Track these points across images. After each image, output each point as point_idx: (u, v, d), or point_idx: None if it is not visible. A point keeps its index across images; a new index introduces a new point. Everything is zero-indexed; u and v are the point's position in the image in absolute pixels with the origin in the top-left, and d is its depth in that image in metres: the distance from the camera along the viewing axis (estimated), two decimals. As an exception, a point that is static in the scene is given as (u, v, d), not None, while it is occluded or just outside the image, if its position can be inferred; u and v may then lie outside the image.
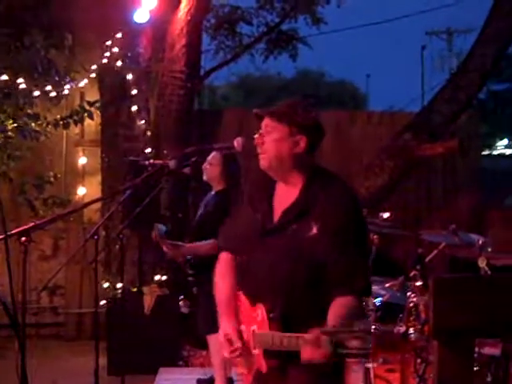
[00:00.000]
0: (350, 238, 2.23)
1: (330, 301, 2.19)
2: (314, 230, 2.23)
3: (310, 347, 2.03)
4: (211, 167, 4.54)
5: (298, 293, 2.24)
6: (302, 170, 2.34)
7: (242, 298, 2.42)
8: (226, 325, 2.39)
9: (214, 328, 2.65)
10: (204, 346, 5.33)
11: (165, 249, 4.48)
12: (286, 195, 2.35)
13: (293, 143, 2.31)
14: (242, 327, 2.39)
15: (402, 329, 3.62)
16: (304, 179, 2.33)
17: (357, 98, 20.65)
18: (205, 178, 4.63)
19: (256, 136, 2.38)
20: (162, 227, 4.50)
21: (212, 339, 4.50)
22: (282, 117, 2.33)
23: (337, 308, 2.17)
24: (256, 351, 2.29)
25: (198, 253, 4.44)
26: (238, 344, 2.34)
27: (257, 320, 2.30)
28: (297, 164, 2.33)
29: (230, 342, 2.36)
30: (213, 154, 4.62)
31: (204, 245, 4.43)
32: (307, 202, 2.29)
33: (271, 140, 2.33)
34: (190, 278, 4.71)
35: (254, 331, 2.31)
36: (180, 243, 4.52)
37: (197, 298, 4.62)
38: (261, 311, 2.27)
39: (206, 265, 4.43)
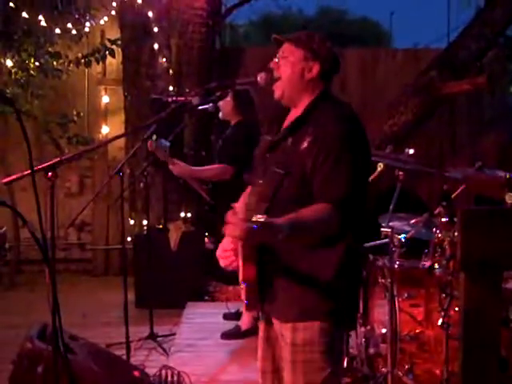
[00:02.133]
0: (334, 152, 2.22)
1: None
2: (305, 144, 2.26)
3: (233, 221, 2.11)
4: (224, 103, 4.60)
5: (281, 205, 2.23)
6: (311, 94, 2.38)
7: None
8: (225, 239, 2.46)
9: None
10: (229, 281, 5.43)
11: (170, 166, 4.55)
12: (293, 116, 2.40)
13: (306, 68, 2.36)
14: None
15: (427, 264, 3.63)
16: (309, 101, 2.37)
17: (380, 36, 20.20)
18: (220, 115, 4.69)
19: (273, 60, 2.42)
20: (165, 142, 4.53)
21: None
22: (298, 42, 2.38)
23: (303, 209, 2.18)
24: (240, 262, 2.30)
25: (204, 175, 4.63)
26: (228, 247, 2.43)
27: None
28: (307, 89, 2.37)
29: (224, 250, 2.46)
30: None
31: (208, 169, 4.59)
32: (305, 116, 2.33)
33: (286, 64, 2.38)
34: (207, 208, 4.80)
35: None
36: (182, 163, 4.60)
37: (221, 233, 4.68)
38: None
39: (224, 196, 4.51)
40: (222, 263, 2.49)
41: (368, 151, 2.37)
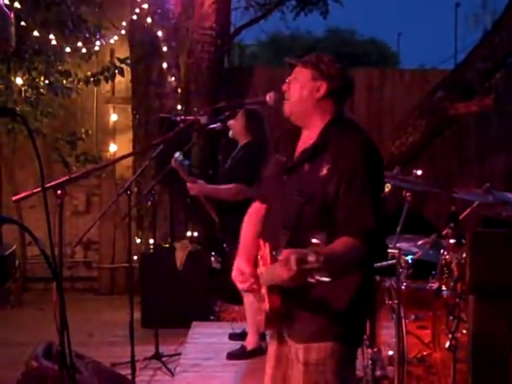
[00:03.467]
0: (357, 181, 2.23)
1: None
2: (325, 171, 2.27)
3: (279, 266, 2.02)
4: (235, 122, 4.61)
5: (303, 233, 2.24)
6: (322, 115, 2.39)
7: (261, 244, 2.44)
8: (237, 261, 2.47)
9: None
10: (235, 301, 5.41)
11: (188, 184, 4.54)
12: (307, 138, 2.42)
13: (314, 88, 2.39)
14: (259, 271, 2.41)
15: (435, 286, 3.60)
16: (324, 124, 2.38)
17: (388, 57, 20.27)
18: (230, 134, 4.70)
19: (285, 83, 2.46)
20: (185, 160, 4.54)
21: (247, 297, 4.57)
22: (307, 63, 2.42)
23: (333, 244, 2.18)
24: (263, 290, 2.31)
25: (216, 194, 4.57)
26: (246, 270, 2.40)
27: (263, 259, 2.35)
28: (316, 109, 2.39)
29: (242, 273, 2.43)
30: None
31: (223, 188, 4.54)
32: (322, 143, 2.34)
33: (296, 85, 2.42)
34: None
35: (261, 270, 2.36)
36: (201, 181, 4.59)
37: (228, 254, 4.68)
38: (267, 249, 2.31)
39: (230, 215, 4.51)
40: (241, 287, 2.45)
41: (383, 174, 2.39)
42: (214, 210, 4.72)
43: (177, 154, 4.49)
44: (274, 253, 2.28)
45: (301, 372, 2.31)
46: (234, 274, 2.46)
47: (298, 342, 2.35)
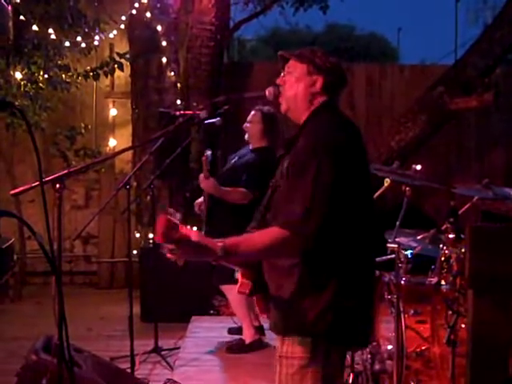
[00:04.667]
0: (297, 169, 2.23)
1: None
2: (285, 164, 2.32)
3: None
4: (252, 125, 4.58)
5: (269, 220, 2.33)
6: (312, 109, 2.39)
7: None
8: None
9: (230, 279, 2.68)
10: (233, 281, 5.41)
11: (203, 179, 4.52)
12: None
13: (309, 82, 2.38)
14: None
15: (434, 280, 3.61)
16: (307, 116, 2.39)
17: (387, 53, 20.22)
18: (246, 136, 4.66)
19: (280, 76, 2.46)
20: (210, 154, 4.52)
21: (227, 290, 4.58)
22: (302, 57, 2.41)
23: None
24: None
25: (227, 196, 4.51)
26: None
27: None
28: (310, 104, 2.38)
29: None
30: (253, 112, 4.63)
31: (233, 191, 4.50)
32: (296, 137, 2.35)
33: (291, 79, 2.40)
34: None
35: None
36: (213, 179, 4.55)
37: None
38: None
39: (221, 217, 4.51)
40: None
41: (357, 166, 2.28)
42: (206, 203, 4.68)
43: (209, 152, 4.48)
44: None
45: (279, 364, 2.32)
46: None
47: (275, 333, 2.37)
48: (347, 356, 3.23)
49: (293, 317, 2.28)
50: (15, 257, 6.36)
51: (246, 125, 4.61)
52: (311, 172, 2.17)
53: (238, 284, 2.36)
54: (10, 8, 5.59)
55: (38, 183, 2.47)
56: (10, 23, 5.61)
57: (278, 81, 2.45)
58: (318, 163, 2.18)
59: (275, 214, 2.27)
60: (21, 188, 2.65)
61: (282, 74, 2.45)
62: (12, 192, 2.69)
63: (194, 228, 5.84)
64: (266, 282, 2.34)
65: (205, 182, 4.53)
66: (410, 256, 3.78)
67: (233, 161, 4.74)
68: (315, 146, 2.22)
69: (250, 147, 4.70)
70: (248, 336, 4.69)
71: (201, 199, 4.79)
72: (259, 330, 4.73)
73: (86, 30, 6.60)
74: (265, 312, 2.43)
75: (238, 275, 2.38)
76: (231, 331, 5.08)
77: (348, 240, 2.26)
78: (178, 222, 2.09)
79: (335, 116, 2.38)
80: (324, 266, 2.24)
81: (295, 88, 2.39)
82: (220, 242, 2.12)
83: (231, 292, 4.47)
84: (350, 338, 2.34)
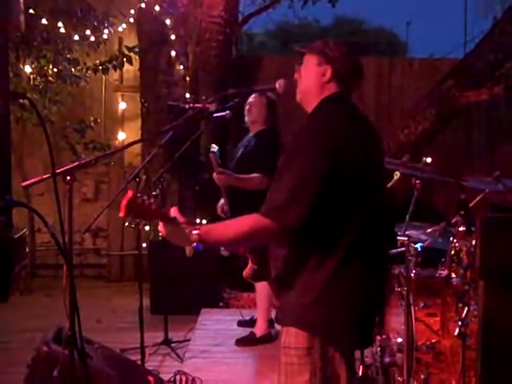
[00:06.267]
0: (285, 158, 2.24)
1: None
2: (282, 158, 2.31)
3: None
4: (257, 109, 4.60)
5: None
6: (319, 101, 2.38)
7: None
8: None
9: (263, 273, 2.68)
10: (244, 288, 5.42)
11: (215, 175, 4.51)
12: None
13: (320, 73, 2.37)
14: None
15: (444, 273, 3.60)
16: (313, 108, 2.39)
17: (396, 46, 20.15)
18: (248, 119, 4.67)
19: (296, 71, 2.46)
20: (216, 149, 4.51)
21: (259, 284, 4.58)
22: (313, 48, 2.41)
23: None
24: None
25: (244, 184, 4.49)
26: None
27: None
28: (321, 95, 2.37)
29: None
30: (254, 96, 4.63)
31: (252, 177, 4.46)
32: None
33: (304, 71, 2.42)
34: None
35: None
36: (228, 171, 4.55)
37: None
38: None
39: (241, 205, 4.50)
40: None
41: (352, 158, 2.23)
42: (227, 203, 4.67)
43: (215, 148, 4.48)
44: None
45: (281, 354, 2.31)
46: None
47: (281, 324, 2.36)
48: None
49: (288, 307, 2.29)
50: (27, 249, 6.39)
51: (250, 108, 4.61)
52: (296, 163, 2.19)
53: (247, 268, 2.41)
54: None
55: (49, 175, 2.48)
56: (22, 17, 5.62)
57: (296, 75, 2.45)
58: (304, 154, 2.19)
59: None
60: (32, 180, 2.66)
61: (299, 68, 2.45)
62: (23, 184, 2.70)
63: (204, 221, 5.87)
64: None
65: (219, 177, 4.52)
66: (419, 249, 3.77)
67: (240, 152, 4.75)
68: (304, 137, 2.24)
69: (252, 133, 4.71)
70: (260, 329, 4.70)
71: (221, 201, 4.80)
72: (270, 322, 4.74)
73: (95, 23, 6.62)
74: (278, 298, 2.44)
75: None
76: (241, 324, 5.10)
77: (346, 231, 2.23)
78: (145, 200, 2.23)
79: (339, 108, 2.34)
80: (317, 258, 2.22)
81: (307, 80, 2.40)
82: (197, 228, 2.22)
83: (259, 283, 4.47)
84: (346, 338, 2.27)
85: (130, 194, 2.20)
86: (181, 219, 2.25)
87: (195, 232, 2.20)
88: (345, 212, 2.23)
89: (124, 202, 2.18)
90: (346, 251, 2.23)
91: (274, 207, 2.17)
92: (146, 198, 2.28)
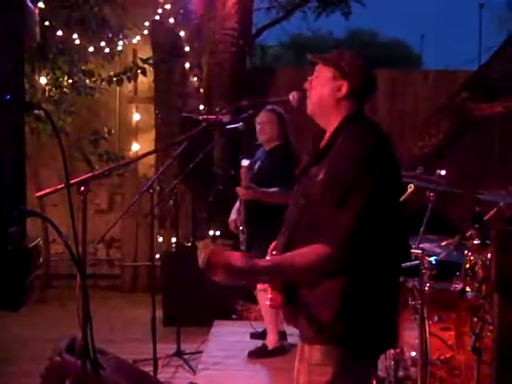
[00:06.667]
0: (338, 190, 2.16)
1: None
2: (321, 176, 2.23)
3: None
4: (269, 127, 4.59)
5: (299, 235, 2.26)
6: (340, 115, 2.34)
7: None
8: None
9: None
10: (257, 301, 5.40)
11: (241, 190, 4.48)
12: (325, 139, 2.37)
13: (335, 87, 2.33)
14: None
15: (459, 287, 3.57)
16: (337, 125, 2.33)
17: (410, 59, 20.16)
18: (262, 138, 4.66)
19: (307, 81, 2.42)
20: (247, 163, 4.49)
21: (261, 294, 4.56)
22: (328, 60, 2.36)
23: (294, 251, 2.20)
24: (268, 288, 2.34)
25: (273, 199, 4.42)
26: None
27: None
28: (337, 109, 2.34)
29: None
30: (263, 114, 4.63)
31: (278, 192, 4.39)
32: (329, 145, 2.29)
33: (317, 83, 2.37)
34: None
35: None
36: (255, 186, 4.52)
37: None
38: (270, 249, 2.38)
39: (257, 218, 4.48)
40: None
41: (393, 172, 2.27)
42: (244, 217, 4.62)
43: (246, 162, 4.46)
44: (273, 253, 2.33)
45: (306, 371, 2.29)
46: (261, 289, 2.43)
47: (303, 340, 2.32)
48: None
49: (314, 325, 2.26)
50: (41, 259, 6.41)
51: (263, 127, 4.61)
52: (355, 187, 2.14)
53: (269, 298, 2.32)
54: (36, 10, 5.66)
55: (63, 185, 2.49)
56: (37, 28, 5.68)
57: (306, 85, 2.41)
58: (360, 177, 2.15)
59: (319, 231, 2.18)
60: (46, 190, 2.67)
61: (310, 79, 2.41)
62: (37, 194, 2.71)
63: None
64: (292, 293, 2.29)
65: (246, 192, 4.49)
66: (434, 262, 3.75)
67: (257, 166, 4.72)
68: (354, 159, 2.18)
69: (267, 148, 4.69)
70: (271, 342, 4.68)
71: (233, 216, 4.77)
72: (282, 335, 4.72)
73: (110, 35, 6.68)
74: (291, 322, 2.40)
75: (260, 286, 2.37)
76: (253, 336, 5.07)
77: (379, 248, 2.23)
78: (220, 249, 2.11)
79: (367, 124, 2.33)
80: (351, 275, 2.21)
81: (320, 93, 2.35)
82: (263, 263, 2.14)
83: (263, 296, 4.44)
84: (368, 348, 2.29)
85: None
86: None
87: (265, 266, 2.12)
88: (384, 229, 2.23)
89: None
90: (375, 265, 2.24)
91: (340, 236, 2.13)
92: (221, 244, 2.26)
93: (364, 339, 2.25)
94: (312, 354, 2.27)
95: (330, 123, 2.35)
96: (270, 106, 4.65)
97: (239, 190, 4.52)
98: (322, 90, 2.34)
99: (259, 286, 2.42)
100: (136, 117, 7.26)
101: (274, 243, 2.41)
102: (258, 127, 4.67)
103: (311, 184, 2.27)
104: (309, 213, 2.25)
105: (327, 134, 2.36)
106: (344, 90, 2.32)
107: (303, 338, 2.33)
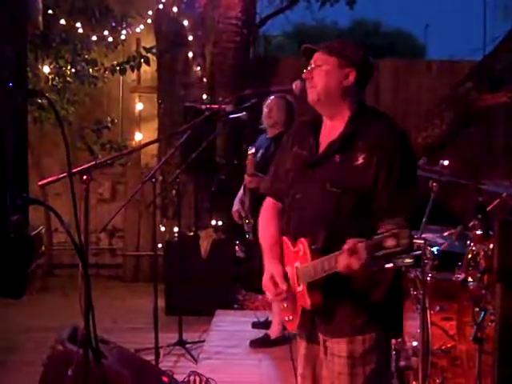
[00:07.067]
0: (396, 169, 2.24)
1: (373, 229, 2.13)
2: (360, 160, 2.25)
3: (345, 255, 2.03)
4: (277, 112, 4.57)
5: (342, 223, 2.24)
6: (349, 103, 2.37)
7: (286, 241, 2.41)
8: (271, 267, 2.41)
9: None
10: (259, 290, 5.41)
11: (248, 178, 4.48)
12: (332, 129, 2.38)
13: (342, 75, 2.35)
14: (287, 269, 2.38)
15: (461, 277, 3.57)
16: (351, 112, 2.36)
17: (415, 49, 20.05)
18: (268, 122, 4.64)
19: (305, 71, 2.41)
20: (254, 151, 4.49)
21: None
22: (332, 50, 2.37)
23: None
24: (300, 288, 2.29)
25: None
26: (283, 286, 2.34)
27: (299, 255, 2.30)
28: (345, 97, 2.36)
29: (275, 284, 2.37)
30: (273, 99, 4.61)
31: None
32: (353, 132, 2.32)
33: (321, 72, 2.36)
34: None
35: (296, 267, 2.32)
36: (260, 174, 4.51)
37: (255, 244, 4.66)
38: (303, 245, 2.28)
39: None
40: (271, 298, 2.43)
41: (416, 160, 2.50)
42: (250, 206, 4.63)
43: (253, 149, 4.46)
44: (313, 247, 2.25)
45: (344, 366, 2.29)
46: (267, 283, 2.39)
47: (339, 336, 2.31)
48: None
49: (378, 314, 2.31)
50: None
51: (271, 111, 4.59)
52: (410, 173, 2.30)
53: (286, 321, 2.41)
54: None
55: (65, 174, 2.49)
56: (40, 16, 5.66)
57: (305, 75, 2.40)
58: (412, 163, 2.36)
59: (388, 210, 2.21)
60: (48, 179, 2.68)
61: (309, 68, 2.40)
62: (40, 183, 2.72)
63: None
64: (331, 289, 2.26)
65: (251, 179, 4.49)
66: (436, 252, 3.75)
67: (259, 154, 4.71)
68: (406, 143, 2.33)
69: (270, 135, 4.67)
70: (275, 332, 4.69)
71: (236, 207, 4.77)
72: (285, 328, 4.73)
73: (113, 24, 6.66)
74: (303, 328, 2.41)
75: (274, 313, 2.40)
76: (255, 325, 5.09)
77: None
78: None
79: (386, 117, 2.41)
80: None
81: (326, 81, 2.35)
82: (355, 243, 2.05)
83: None
84: (399, 328, 2.44)
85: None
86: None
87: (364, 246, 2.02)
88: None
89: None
90: None
91: (410, 211, 2.25)
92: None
93: (398, 319, 2.38)
94: (354, 346, 2.29)
95: (337, 112, 2.37)
96: (275, 94, 4.62)
97: (246, 178, 4.52)
98: (330, 78, 2.35)
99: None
100: (139, 106, 7.24)
101: (301, 238, 2.30)
102: (265, 111, 4.66)
103: (341, 170, 2.28)
104: (348, 200, 2.25)
105: (336, 123, 2.36)
106: (351, 77, 2.35)
107: (339, 334, 2.31)
